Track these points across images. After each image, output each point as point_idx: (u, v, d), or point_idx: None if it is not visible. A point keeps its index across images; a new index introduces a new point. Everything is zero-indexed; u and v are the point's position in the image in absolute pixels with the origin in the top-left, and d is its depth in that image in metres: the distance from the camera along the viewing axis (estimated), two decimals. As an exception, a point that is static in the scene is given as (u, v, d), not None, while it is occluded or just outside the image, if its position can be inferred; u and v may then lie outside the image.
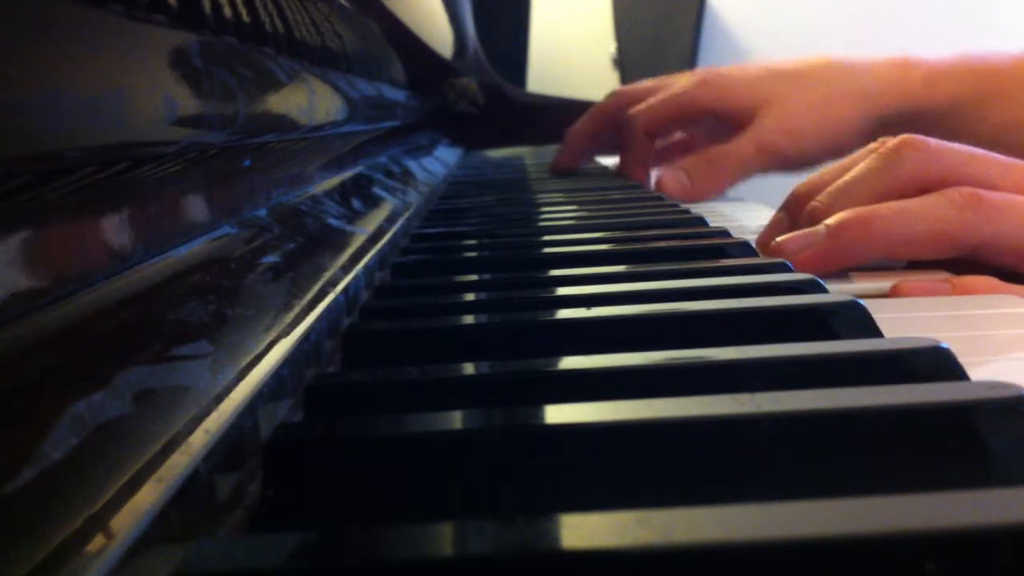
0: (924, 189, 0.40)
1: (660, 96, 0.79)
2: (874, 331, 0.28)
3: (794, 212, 0.47)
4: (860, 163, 0.44)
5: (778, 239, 0.42)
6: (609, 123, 0.87)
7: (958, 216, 0.38)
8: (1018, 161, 0.42)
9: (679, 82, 0.79)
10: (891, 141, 0.43)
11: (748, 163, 0.74)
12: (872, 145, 0.45)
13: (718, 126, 0.78)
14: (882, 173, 0.42)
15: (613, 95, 0.89)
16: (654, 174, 0.82)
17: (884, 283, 0.39)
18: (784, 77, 0.75)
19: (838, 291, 0.34)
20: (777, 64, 0.77)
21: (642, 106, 0.80)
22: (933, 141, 0.42)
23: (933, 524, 0.13)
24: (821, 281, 0.33)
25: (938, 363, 0.23)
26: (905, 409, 0.19)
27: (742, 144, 0.73)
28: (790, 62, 0.76)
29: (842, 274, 0.41)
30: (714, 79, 0.77)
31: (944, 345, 0.23)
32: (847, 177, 0.44)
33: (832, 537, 0.13)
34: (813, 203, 0.44)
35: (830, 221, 0.40)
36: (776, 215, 0.49)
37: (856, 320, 0.28)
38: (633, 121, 0.80)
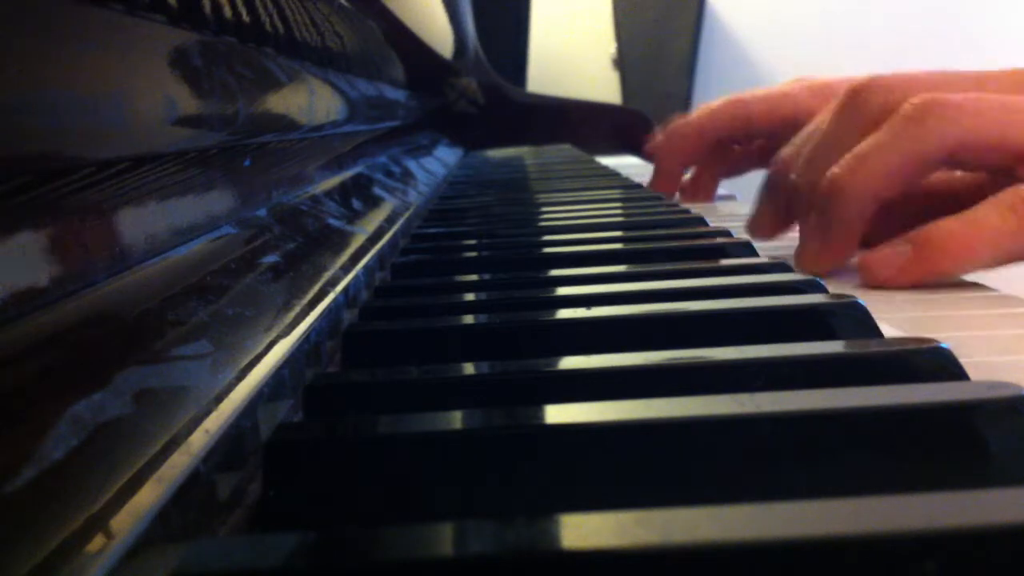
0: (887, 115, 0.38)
1: (774, 94, 0.67)
2: (874, 331, 0.28)
3: (774, 193, 0.45)
4: (823, 123, 0.42)
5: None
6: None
7: (920, 129, 0.36)
8: (975, 71, 0.40)
9: (788, 91, 0.66)
10: (844, 89, 0.41)
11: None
12: (831, 104, 0.43)
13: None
14: (847, 123, 0.40)
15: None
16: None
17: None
18: (935, 82, 0.63)
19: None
20: (919, 73, 0.66)
21: (749, 98, 0.68)
22: (896, 74, 0.41)
23: (933, 524, 0.13)
24: (821, 281, 0.33)
25: (938, 363, 0.23)
26: (905, 409, 0.19)
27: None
28: (921, 73, 0.65)
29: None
30: (833, 88, 0.60)
31: (944, 345, 0.23)
32: (816, 140, 0.42)
33: (832, 537, 0.13)
34: (791, 179, 0.42)
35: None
36: (758, 201, 0.47)
37: (856, 320, 0.28)
38: (732, 108, 0.69)
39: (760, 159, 0.74)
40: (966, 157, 0.37)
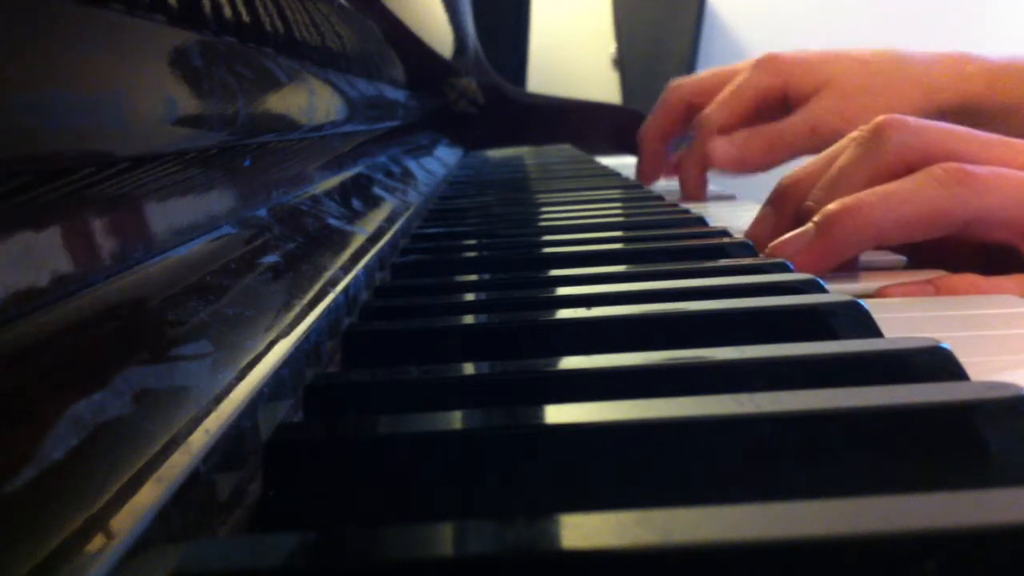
0: (910, 168, 0.40)
1: (727, 91, 0.77)
2: (874, 331, 0.28)
3: (780, 206, 0.47)
4: (844, 152, 0.44)
5: (771, 244, 0.42)
6: (679, 120, 0.85)
7: (945, 193, 0.38)
8: (999, 136, 0.42)
9: (739, 72, 0.78)
10: (869, 124, 0.43)
11: (799, 142, 0.73)
12: (853, 133, 0.45)
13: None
14: (867, 159, 0.42)
15: (674, 89, 0.86)
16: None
17: (876, 283, 0.39)
18: (846, 61, 0.74)
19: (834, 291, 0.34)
20: (839, 50, 0.76)
21: (713, 106, 0.78)
22: (912, 119, 0.42)
23: (933, 524, 0.13)
24: (821, 281, 0.33)
25: (938, 363, 0.23)
26: (905, 409, 0.19)
27: (795, 123, 0.72)
28: (852, 49, 0.76)
29: (851, 274, 0.41)
30: (774, 62, 0.76)
31: (944, 345, 0.23)
32: (834, 170, 0.44)
33: (832, 537, 0.13)
34: (807, 204, 0.44)
35: (817, 218, 0.40)
36: (762, 210, 0.49)
37: (856, 320, 0.28)
38: (708, 122, 0.77)
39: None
40: (977, 229, 0.39)
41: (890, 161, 0.41)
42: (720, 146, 0.73)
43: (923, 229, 0.39)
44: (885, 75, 0.72)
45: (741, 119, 0.76)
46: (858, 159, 0.43)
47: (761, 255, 0.42)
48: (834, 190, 0.42)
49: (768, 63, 0.76)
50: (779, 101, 0.75)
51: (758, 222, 0.48)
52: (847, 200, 0.40)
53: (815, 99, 0.72)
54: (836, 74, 0.73)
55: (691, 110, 0.81)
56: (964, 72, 0.70)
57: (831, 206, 0.40)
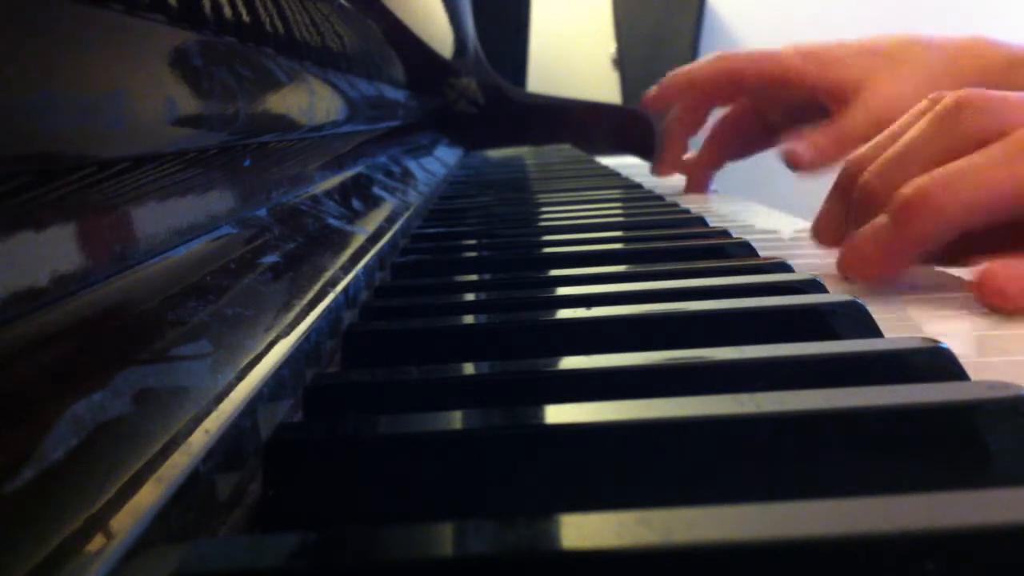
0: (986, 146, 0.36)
1: (764, 53, 0.76)
2: (874, 331, 0.28)
3: (849, 190, 0.41)
4: (914, 127, 0.39)
5: (846, 244, 0.37)
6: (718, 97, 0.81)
7: None
8: None
9: (778, 52, 0.77)
10: (946, 99, 0.38)
11: (865, 138, 0.69)
12: (922, 105, 0.40)
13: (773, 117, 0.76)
14: (941, 137, 0.37)
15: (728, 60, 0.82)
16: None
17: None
18: (882, 56, 0.73)
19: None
20: (866, 42, 0.75)
21: (741, 55, 0.76)
22: (992, 92, 0.37)
23: (933, 524, 0.13)
24: (821, 281, 0.33)
25: (938, 363, 0.23)
26: (905, 409, 0.19)
27: (858, 120, 0.70)
28: (878, 41, 0.74)
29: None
30: (819, 53, 0.74)
31: (944, 345, 0.23)
32: (901, 144, 0.38)
33: (832, 537, 0.13)
34: (864, 179, 0.39)
35: (892, 206, 0.35)
36: (828, 200, 0.44)
37: (856, 320, 0.28)
38: (722, 62, 0.76)
39: (761, 141, 0.80)
40: None
41: (967, 140, 0.36)
42: (801, 149, 0.70)
43: (1012, 205, 0.34)
44: (922, 70, 0.71)
45: (758, 81, 0.76)
46: (931, 136, 0.37)
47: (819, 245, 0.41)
48: (902, 169, 0.37)
49: (815, 55, 0.74)
50: (792, 89, 0.74)
51: (822, 218, 0.44)
52: (922, 183, 0.35)
53: (866, 94, 0.70)
54: (876, 70, 0.72)
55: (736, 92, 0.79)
56: (986, 56, 0.70)
57: (905, 189, 0.35)
